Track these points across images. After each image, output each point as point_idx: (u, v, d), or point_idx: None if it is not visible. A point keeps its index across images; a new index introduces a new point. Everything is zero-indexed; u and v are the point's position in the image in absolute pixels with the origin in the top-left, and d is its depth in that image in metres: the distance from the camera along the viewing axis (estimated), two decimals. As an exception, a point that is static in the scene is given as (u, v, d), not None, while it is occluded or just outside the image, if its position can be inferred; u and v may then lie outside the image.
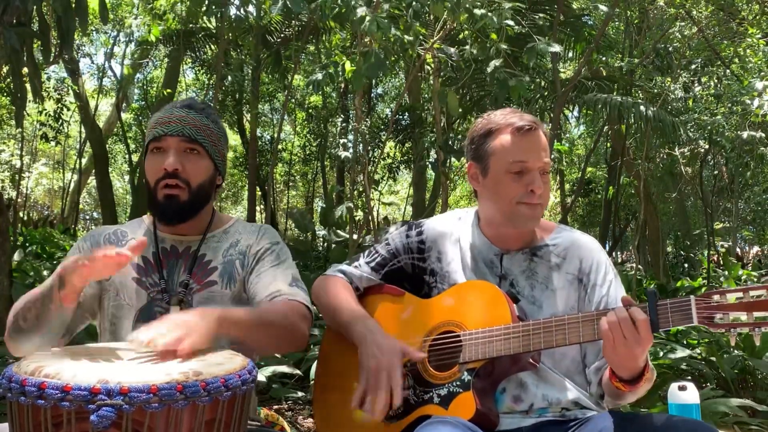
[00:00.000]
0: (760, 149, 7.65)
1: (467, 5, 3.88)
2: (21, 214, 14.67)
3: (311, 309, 1.55)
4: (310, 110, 14.72)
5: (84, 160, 15.41)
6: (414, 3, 4.03)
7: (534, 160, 1.53)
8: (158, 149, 1.56)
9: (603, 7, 6.03)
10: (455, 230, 1.69)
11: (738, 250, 18.48)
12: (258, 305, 1.52)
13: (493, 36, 4.32)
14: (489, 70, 4.43)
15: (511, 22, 4.19)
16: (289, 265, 1.63)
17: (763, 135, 7.03)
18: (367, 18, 3.64)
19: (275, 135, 12.38)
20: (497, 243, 1.62)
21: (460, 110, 7.65)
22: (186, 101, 1.65)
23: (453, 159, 6.15)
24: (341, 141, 11.83)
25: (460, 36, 6.22)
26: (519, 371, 1.48)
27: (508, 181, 1.53)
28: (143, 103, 14.14)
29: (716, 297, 1.29)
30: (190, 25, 8.15)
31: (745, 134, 6.87)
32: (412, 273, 1.70)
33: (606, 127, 9.98)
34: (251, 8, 6.22)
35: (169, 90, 10.04)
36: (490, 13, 4.02)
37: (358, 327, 1.54)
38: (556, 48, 4.11)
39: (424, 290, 1.67)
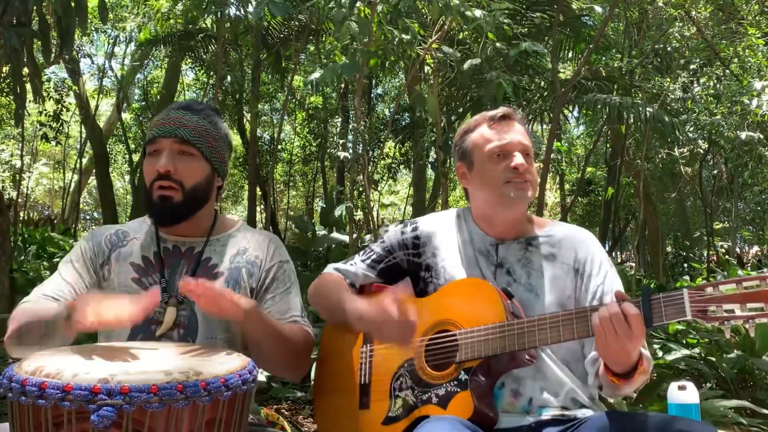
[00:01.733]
0: (759, 149, 7.65)
1: (460, 8, 3.87)
2: (21, 214, 14.66)
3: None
4: (310, 110, 14.73)
5: (84, 160, 15.42)
6: (400, 3, 4.05)
7: (512, 143, 1.59)
8: (154, 152, 1.57)
9: (598, 8, 6.03)
10: (451, 226, 1.70)
11: (738, 250, 18.48)
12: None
13: (491, 36, 4.32)
14: (465, 67, 4.44)
15: (508, 21, 4.19)
16: (298, 288, 1.68)
17: (761, 136, 7.03)
18: (352, 20, 3.65)
19: (275, 135, 12.39)
20: (491, 233, 1.65)
21: (461, 110, 7.66)
22: (185, 103, 1.66)
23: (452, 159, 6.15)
24: (341, 141, 11.85)
25: (460, 36, 6.22)
26: (516, 367, 1.49)
27: (492, 166, 1.59)
28: (143, 103, 14.14)
29: (709, 289, 1.28)
30: (189, 26, 8.15)
31: (743, 134, 6.87)
32: (408, 269, 1.71)
33: (606, 128, 9.99)
34: (250, 8, 6.23)
35: (163, 91, 10.04)
36: (484, 12, 4.02)
37: (351, 311, 1.54)
38: (540, 47, 4.13)
39: (420, 286, 1.68)
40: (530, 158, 1.61)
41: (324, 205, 10.25)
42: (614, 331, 1.30)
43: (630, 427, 1.36)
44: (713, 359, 4.04)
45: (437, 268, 1.65)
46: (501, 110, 1.63)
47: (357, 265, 1.74)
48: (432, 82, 6.45)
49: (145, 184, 1.59)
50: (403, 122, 10.82)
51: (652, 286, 7.62)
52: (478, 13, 4.03)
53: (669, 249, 15.65)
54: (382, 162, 11.81)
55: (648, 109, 6.12)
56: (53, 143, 12.01)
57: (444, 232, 1.69)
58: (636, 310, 1.30)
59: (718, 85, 7.92)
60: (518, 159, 1.57)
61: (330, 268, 1.77)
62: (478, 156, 1.62)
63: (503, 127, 1.62)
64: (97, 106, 14.27)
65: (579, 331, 1.38)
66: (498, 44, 4.35)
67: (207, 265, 1.60)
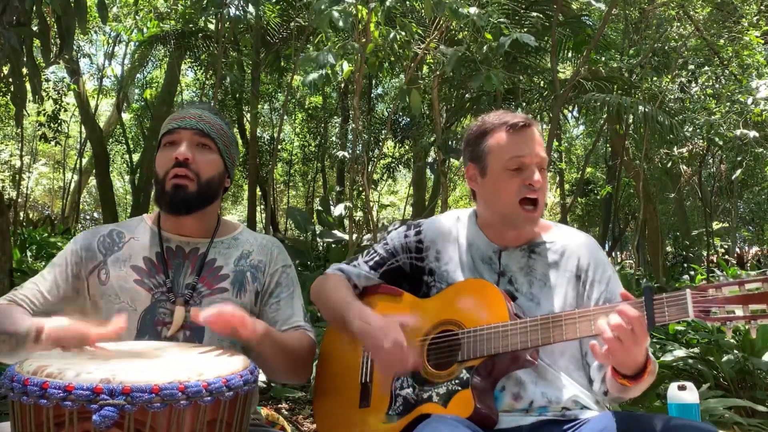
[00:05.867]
0: (757, 149, 7.66)
1: (453, 6, 3.87)
2: (21, 214, 14.66)
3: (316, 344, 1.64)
4: (310, 110, 14.74)
5: (84, 161, 15.42)
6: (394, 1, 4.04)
7: (530, 155, 1.55)
8: (171, 143, 1.59)
9: (596, 4, 6.03)
10: (453, 229, 1.70)
11: (738, 250, 18.50)
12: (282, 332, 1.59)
13: (488, 36, 4.33)
14: (449, 53, 4.43)
15: (504, 20, 4.19)
16: (300, 292, 1.68)
17: (757, 134, 7.04)
18: (334, 9, 3.62)
19: (275, 135, 12.38)
20: (495, 240, 1.63)
21: (458, 110, 7.66)
22: (201, 104, 1.71)
23: (452, 159, 6.17)
24: (340, 141, 11.85)
25: (459, 36, 6.23)
26: (518, 368, 1.48)
27: (507, 178, 1.56)
28: (143, 103, 14.15)
29: (712, 290, 1.28)
30: (190, 26, 8.16)
31: (738, 132, 6.88)
32: (411, 272, 1.70)
33: (605, 127, 10.00)
34: (250, 8, 6.23)
35: (151, 91, 10.03)
36: (478, 10, 4.02)
37: (354, 319, 1.56)
38: (530, 39, 4.12)
39: (422, 290, 1.68)
40: (545, 172, 1.58)
41: (320, 208, 10.24)
42: (618, 341, 1.28)
43: (632, 427, 1.35)
44: (712, 359, 4.04)
45: (440, 272, 1.65)
46: (521, 118, 1.58)
47: (360, 266, 1.74)
48: (429, 80, 6.46)
49: (157, 175, 1.59)
50: (402, 122, 10.83)
51: (651, 286, 7.60)
52: (472, 10, 4.03)
53: (669, 249, 15.66)
54: (381, 162, 11.81)
55: (645, 108, 6.12)
56: (52, 143, 12.01)
57: (447, 236, 1.69)
58: (637, 312, 1.28)
59: (716, 85, 7.93)
60: (535, 175, 1.54)
61: (333, 268, 1.77)
62: (493, 164, 1.58)
63: (522, 137, 1.56)
64: (97, 106, 14.27)
65: (582, 330, 1.38)
66: (495, 43, 4.36)
67: (212, 266, 1.60)
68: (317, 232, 9.25)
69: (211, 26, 8.45)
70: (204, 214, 1.62)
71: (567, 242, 1.62)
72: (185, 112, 1.63)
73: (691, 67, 7.86)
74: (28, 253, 9.12)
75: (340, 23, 3.65)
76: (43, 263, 7.87)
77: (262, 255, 1.65)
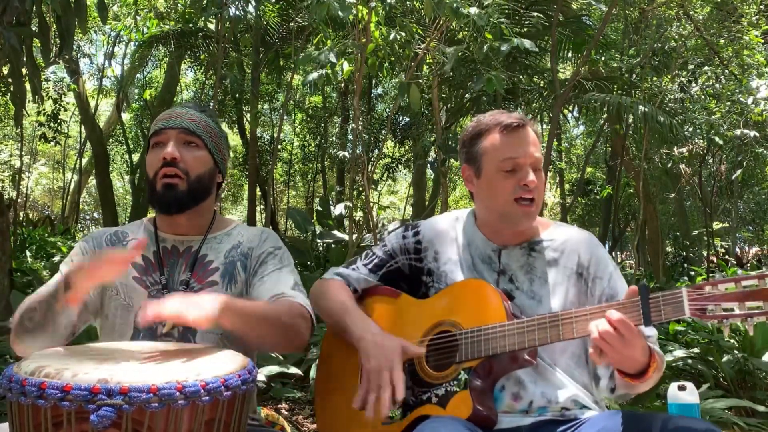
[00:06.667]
0: (757, 149, 7.66)
1: (453, 5, 3.87)
2: (21, 215, 14.66)
3: (311, 312, 1.56)
4: (309, 110, 14.73)
5: (84, 161, 15.43)
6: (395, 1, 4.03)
7: (524, 155, 1.55)
8: (158, 144, 1.60)
9: (596, 4, 6.03)
10: (452, 230, 1.70)
11: (737, 250, 18.50)
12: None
13: (488, 35, 4.33)
14: (448, 51, 4.41)
15: (504, 20, 4.19)
16: (291, 269, 1.65)
17: (757, 134, 7.04)
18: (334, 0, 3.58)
19: (275, 135, 12.38)
20: (494, 239, 1.63)
21: (458, 110, 7.66)
22: (187, 103, 1.70)
23: (452, 159, 6.17)
24: (340, 141, 11.84)
25: (459, 36, 6.23)
26: (516, 369, 1.48)
27: (501, 179, 1.56)
28: (143, 102, 14.15)
29: (708, 288, 1.27)
30: (190, 25, 8.17)
31: (738, 132, 6.88)
32: (410, 274, 1.70)
33: (606, 126, 10.00)
34: (250, 8, 6.24)
35: (151, 91, 10.04)
36: (478, 10, 4.01)
37: (356, 328, 1.55)
38: (531, 44, 4.10)
39: (422, 290, 1.68)
40: (540, 172, 1.57)
41: (320, 208, 10.23)
42: (606, 343, 1.28)
43: (633, 426, 1.35)
44: (712, 359, 4.04)
45: (438, 272, 1.65)
46: (515, 118, 1.58)
47: (359, 270, 1.73)
48: (429, 80, 6.46)
49: (148, 176, 1.60)
50: (402, 122, 10.84)
51: (650, 286, 7.61)
52: (473, 10, 4.02)
53: (669, 249, 15.65)
54: (382, 162, 11.81)
55: (645, 108, 6.12)
56: (52, 143, 12.01)
57: (446, 237, 1.69)
58: (619, 315, 1.28)
59: (716, 85, 7.93)
60: (530, 176, 1.54)
61: (332, 273, 1.76)
62: (487, 165, 1.58)
63: (516, 138, 1.56)
64: (96, 106, 14.27)
65: (578, 331, 1.38)
66: (495, 44, 4.36)
67: (203, 261, 1.62)
68: (317, 233, 9.25)
69: (211, 26, 8.45)
70: (198, 211, 1.63)
71: (566, 239, 1.62)
72: (171, 111, 1.64)
73: (691, 67, 7.86)
74: (28, 253, 9.12)
75: (339, 12, 3.60)
76: (43, 263, 7.87)
77: (252, 242, 1.66)
